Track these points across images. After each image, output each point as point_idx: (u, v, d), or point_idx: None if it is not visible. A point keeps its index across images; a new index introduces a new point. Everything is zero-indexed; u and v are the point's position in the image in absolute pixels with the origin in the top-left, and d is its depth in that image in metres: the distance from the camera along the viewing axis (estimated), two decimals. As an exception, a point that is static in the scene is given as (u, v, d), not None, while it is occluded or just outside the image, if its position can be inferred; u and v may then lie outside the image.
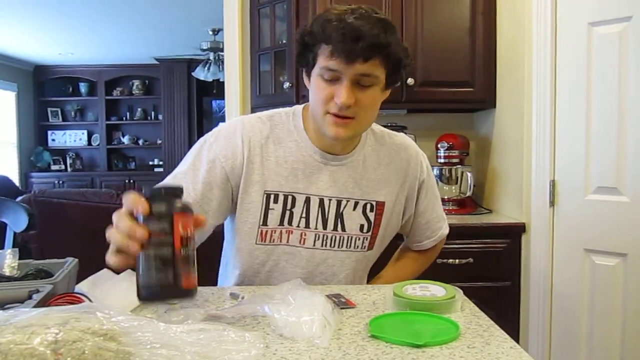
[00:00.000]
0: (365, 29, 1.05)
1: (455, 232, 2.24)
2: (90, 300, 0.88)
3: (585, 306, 2.02)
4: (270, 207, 1.20)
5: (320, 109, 1.13)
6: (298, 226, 1.21)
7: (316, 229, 1.22)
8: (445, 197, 2.56)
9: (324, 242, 1.23)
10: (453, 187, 2.54)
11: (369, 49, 1.05)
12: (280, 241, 1.22)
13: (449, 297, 0.99)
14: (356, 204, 1.24)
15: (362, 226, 1.25)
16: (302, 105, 1.27)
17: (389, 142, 1.32)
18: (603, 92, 1.94)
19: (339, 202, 1.23)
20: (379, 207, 1.26)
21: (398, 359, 0.76)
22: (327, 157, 1.23)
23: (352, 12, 1.08)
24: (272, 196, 1.20)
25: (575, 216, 2.05)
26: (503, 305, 2.23)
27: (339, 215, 1.23)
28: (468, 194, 2.52)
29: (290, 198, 1.21)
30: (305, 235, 1.22)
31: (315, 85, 1.14)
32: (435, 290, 1.03)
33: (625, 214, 1.91)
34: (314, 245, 1.23)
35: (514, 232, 2.25)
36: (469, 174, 2.51)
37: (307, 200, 1.21)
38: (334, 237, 1.24)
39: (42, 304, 0.81)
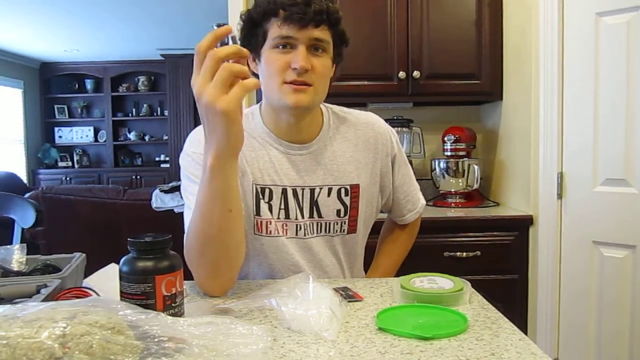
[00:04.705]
0: None
1: (463, 225, 2.26)
2: (97, 295, 0.89)
3: (594, 298, 2.01)
4: (260, 197, 1.21)
5: (277, 80, 1.12)
6: (279, 218, 1.22)
7: (296, 219, 1.23)
8: (452, 190, 2.56)
9: (305, 231, 1.24)
10: (460, 180, 2.53)
11: (319, 13, 1.08)
12: (268, 233, 1.22)
13: (456, 290, 0.98)
14: (330, 190, 1.25)
15: (338, 211, 1.26)
16: (257, 105, 1.28)
17: (353, 121, 1.31)
18: (611, 82, 1.93)
19: (312, 191, 1.24)
20: (354, 190, 1.27)
21: (406, 352, 0.76)
22: (293, 148, 1.23)
23: None
24: (259, 188, 1.21)
25: (583, 208, 2.04)
26: (511, 298, 2.22)
27: (314, 203, 1.24)
28: (475, 186, 2.51)
29: (267, 190, 1.22)
30: (286, 226, 1.22)
31: (268, 59, 1.13)
32: (443, 282, 1.03)
33: (634, 205, 1.89)
34: (296, 234, 1.23)
35: (522, 225, 2.24)
36: (475, 167, 2.50)
37: (284, 192, 1.22)
38: (311, 224, 1.24)
39: (50, 298, 0.81)
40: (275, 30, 1.10)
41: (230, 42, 0.87)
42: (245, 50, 0.88)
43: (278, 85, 1.12)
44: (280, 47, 1.11)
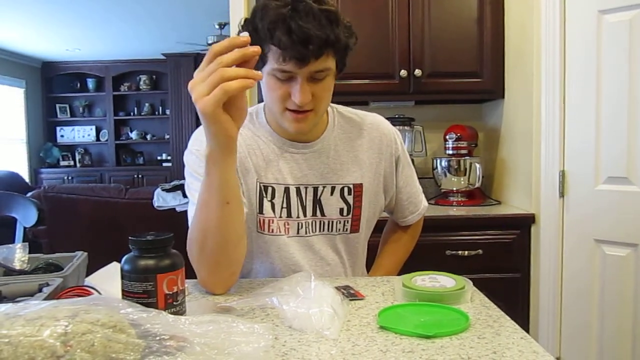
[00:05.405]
0: (313, 31, 1.01)
1: (464, 224, 2.26)
2: (99, 293, 0.89)
3: (596, 297, 2.00)
4: (263, 195, 1.22)
5: (278, 107, 1.13)
6: (280, 217, 1.22)
7: (298, 217, 1.23)
8: (454, 189, 2.55)
9: (307, 229, 1.24)
10: (462, 179, 2.53)
11: (319, 48, 1.03)
12: (270, 232, 1.23)
13: (458, 288, 0.98)
14: (333, 188, 1.25)
15: (341, 210, 1.26)
16: (262, 103, 1.27)
17: (358, 122, 1.32)
18: (613, 81, 1.92)
19: (315, 189, 1.24)
20: (357, 189, 1.27)
21: (407, 350, 0.76)
22: (297, 146, 1.24)
23: (294, 9, 1.02)
24: (262, 186, 1.22)
25: (586, 206, 2.03)
26: (513, 296, 2.22)
27: (317, 202, 1.24)
28: (477, 185, 2.51)
29: (270, 189, 1.22)
30: (288, 225, 1.23)
31: (269, 84, 1.11)
32: (445, 281, 1.03)
33: (636, 203, 1.89)
34: (297, 233, 1.24)
35: (524, 223, 2.24)
36: (477, 165, 2.49)
37: (287, 191, 1.22)
38: (313, 222, 1.25)
39: (51, 297, 0.81)
40: (274, 61, 1.06)
41: None
42: (250, 50, 0.88)
43: (279, 111, 1.13)
44: (280, 77, 1.08)
